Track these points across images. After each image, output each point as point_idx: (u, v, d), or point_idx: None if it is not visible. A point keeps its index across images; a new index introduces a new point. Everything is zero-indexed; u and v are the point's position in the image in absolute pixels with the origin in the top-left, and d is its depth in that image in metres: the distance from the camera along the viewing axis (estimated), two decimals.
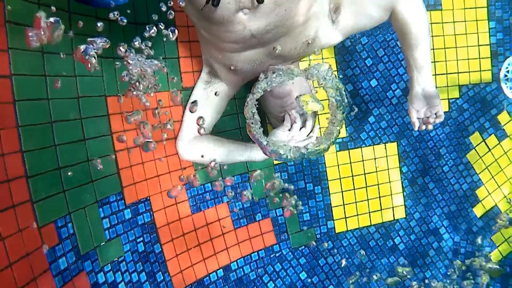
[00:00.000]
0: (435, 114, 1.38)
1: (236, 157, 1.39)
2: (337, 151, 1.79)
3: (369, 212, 1.85)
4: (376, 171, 1.84)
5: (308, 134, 1.31)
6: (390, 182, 1.87)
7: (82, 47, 0.97)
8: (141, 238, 1.30)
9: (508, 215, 1.93)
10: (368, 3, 1.22)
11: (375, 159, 1.83)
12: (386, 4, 1.23)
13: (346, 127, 1.80)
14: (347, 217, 1.82)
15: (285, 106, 1.33)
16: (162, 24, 1.13)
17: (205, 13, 1.03)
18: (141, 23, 1.32)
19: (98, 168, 1.15)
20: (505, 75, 1.95)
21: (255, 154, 1.38)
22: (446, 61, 1.90)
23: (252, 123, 1.17)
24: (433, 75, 1.88)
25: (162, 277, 1.35)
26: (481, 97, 1.94)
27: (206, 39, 1.20)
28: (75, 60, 1.09)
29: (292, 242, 1.71)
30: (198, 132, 1.36)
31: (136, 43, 1.10)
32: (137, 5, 1.30)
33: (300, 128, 1.30)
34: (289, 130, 1.29)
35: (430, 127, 1.40)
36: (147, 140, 1.27)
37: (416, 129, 1.42)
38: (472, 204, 1.95)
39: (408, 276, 1.84)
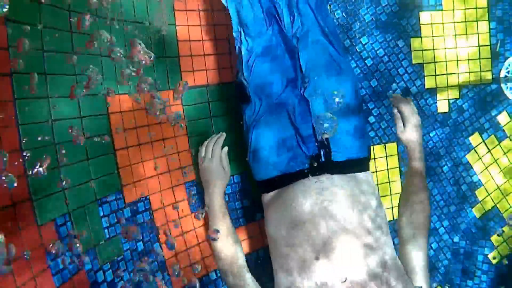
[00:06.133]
0: None
1: None
2: None
3: None
4: (376, 171, 1.84)
5: None
6: (390, 182, 1.87)
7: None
8: (141, 237, 1.30)
9: None
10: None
11: (374, 159, 1.83)
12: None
13: None
14: None
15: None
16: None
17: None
18: (140, 22, 1.32)
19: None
20: (505, 76, 1.95)
21: None
22: (446, 61, 1.90)
23: None
24: (433, 75, 1.89)
25: (161, 277, 1.35)
26: (481, 97, 1.94)
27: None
28: (75, 59, 1.09)
29: None
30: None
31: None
32: (137, 5, 1.31)
33: None
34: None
35: None
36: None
37: None
38: (471, 205, 1.95)
39: None
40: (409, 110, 1.27)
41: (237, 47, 1.26)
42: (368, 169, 1.20)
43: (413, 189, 1.22)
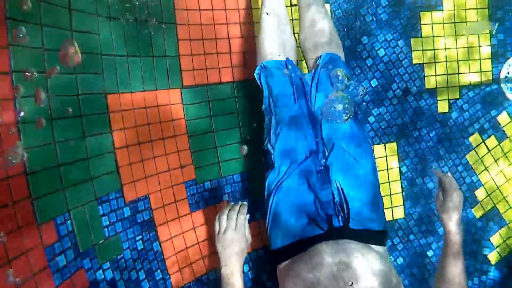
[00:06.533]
0: None
1: None
2: None
3: None
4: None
5: None
6: (389, 182, 1.87)
7: None
8: (140, 236, 1.30)
9: None
10: None
11: (374, 159, 1.83)
12: None
13: None
14: None
15: None
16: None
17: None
18: (141, 21, 1.32)
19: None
20: (506, 76, 1.95)
21: None
22: (446, 61, 1.90)
23: None
24: (433, 75, 1.89)
25: (160, 275, 1.35)
26: (481, 98, 1.94)
27: None
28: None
29: None
30: None
31: None
32: (138, 4, 1.31)
33: None
34: None
35: None
36: None
37: None
38: (471, 205, 1.95)
39: None
40: (452, 186, 1.21)
41: (266, 118, 1.34)
42: (385, 245, 1.19)
43: (449, 275, 1.16)
